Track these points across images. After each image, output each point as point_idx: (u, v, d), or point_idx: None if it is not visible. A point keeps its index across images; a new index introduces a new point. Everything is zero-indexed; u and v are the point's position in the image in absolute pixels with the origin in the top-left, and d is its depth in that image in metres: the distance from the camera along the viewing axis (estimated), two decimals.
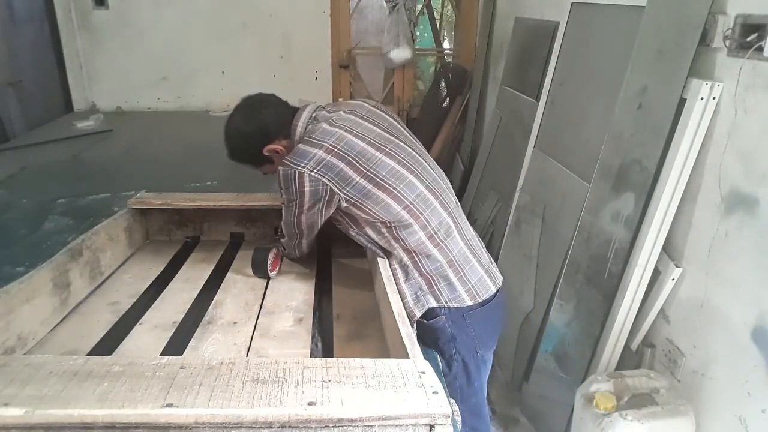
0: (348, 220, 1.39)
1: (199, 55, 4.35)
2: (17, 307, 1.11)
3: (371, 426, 0.74)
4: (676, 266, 1.74)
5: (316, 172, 1.30)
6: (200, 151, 3.27)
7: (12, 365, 0.82)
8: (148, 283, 1.47)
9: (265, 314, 1.33)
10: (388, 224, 1.34)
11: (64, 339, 1.20)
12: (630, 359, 1.91)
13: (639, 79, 1.81)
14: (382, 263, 1.35)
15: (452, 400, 1.03)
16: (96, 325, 1.25)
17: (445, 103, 4.37)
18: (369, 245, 1.40)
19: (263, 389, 0.77)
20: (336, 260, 1.63)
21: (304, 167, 1.30)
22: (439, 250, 1.36)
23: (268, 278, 1.50)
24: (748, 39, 1.46)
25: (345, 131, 1.35)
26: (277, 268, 1.53)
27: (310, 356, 1.15)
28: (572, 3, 2.41)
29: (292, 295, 1.43)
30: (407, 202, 1.33)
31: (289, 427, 0.73)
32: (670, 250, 1.79)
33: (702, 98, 1.59)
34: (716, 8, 1.58)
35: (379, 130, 1.39)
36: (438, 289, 1.36)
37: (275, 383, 0.78)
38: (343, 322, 1.31)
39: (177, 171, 2.85)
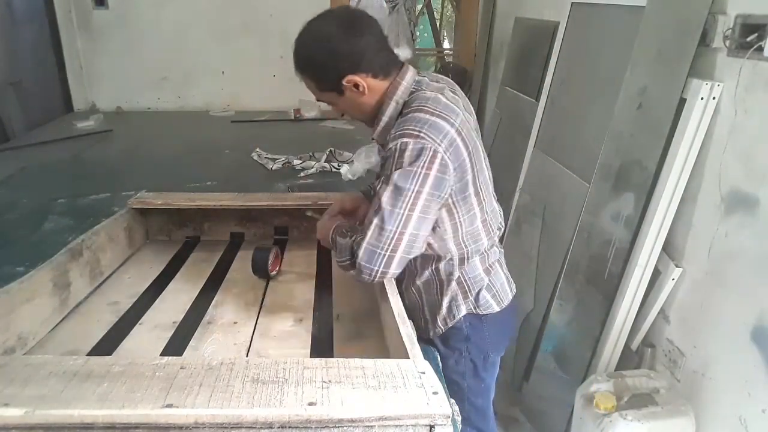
0: None
1: (199, 55, 4.36)
2: (17, 307, 1.11)
3: (371, 426, 0.74)
4: (676, 266, 1.74)
5: (448, 155, 1.09)
6: (200, 151, 3.28)
7: (12, 365, 0.82)
8: (148, 283, 1.47)
9: (265, 314, 1.33)
10: (461, 238, 1.24)
11: (64, 339, 1.20)
12: (630, 359, 1.91)
13: (639, 79, 1.81)
14: None
15: (452, 400, 1.03)
16: (96, 325, 1.25)
17: None
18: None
19: (263, 389, 0.77)
20: None
21: (440, 144, 1.08)
22: (480, 258, 1.30)
23: (268, 278, 1.50)
24: (748, 39, 1.46)
25: (463, 114, 1.16)
26: (277, 268, 1.53)
27: (310, 356, 1.15)
28: (572, 3, 2.42)
29: (292, 295, 1.43)
30: (485, 215, 1.25)
31: (289, 427, 0.73)
32: (670, 250, 1.79)
33: (702, 98, 1.59)
34: (716, 8, 1.58)
35: (473, 125, 1.24)
36: (472, 297, 1.32)
37: (275, 383, 0.78)
38: (343, 322, 1.31)
39: (177, 171, 2.85)
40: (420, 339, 1.35)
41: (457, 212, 1.20)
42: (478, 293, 1.32)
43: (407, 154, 1.08)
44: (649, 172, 1.74)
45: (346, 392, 0.77)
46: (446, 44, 5.54)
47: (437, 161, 1.08)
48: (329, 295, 1.44)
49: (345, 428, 0.74)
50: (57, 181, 2.70)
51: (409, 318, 1.35)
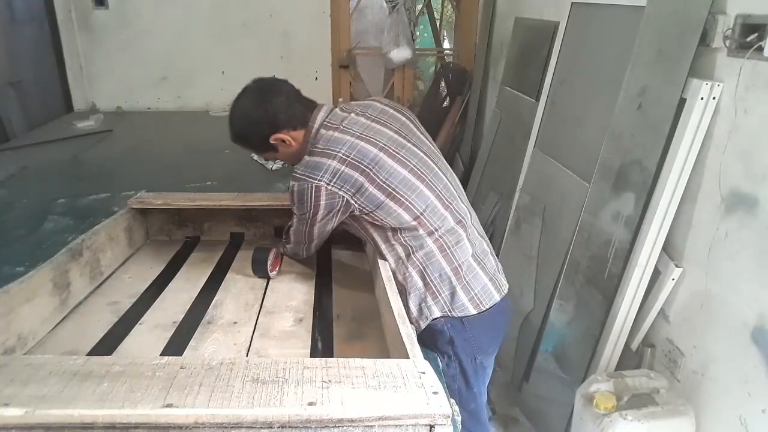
0: (355, 223, 1.39)
1: (199, 55, 4.35)
2: (17, 307, 1.11)
3: (371, 426, 0.74)
4: (676, 266, 1.74)
5: (332, 185, 1.28)
6: (200, 151, 3.28)
7: (12, 365, 0.82)
8: (148, 283, 1.47)
9: (265, 314, 1.33)
10: (397, 230, 1.33)
11: (64, 339, 1.20)
12: (630, 359, 1.91)
13: (639, 79, 1.81)
14: (383, 263, 1.35)
15: (452, 400, 1.03)
16: (96, 325, 1.25)
17: (445, 103, 4.38)
18: (373, 245, 1.41)
19: (263, 389, 0.77)
20: (336, 260, 1.63)
21: (320, 180, 1.28)
22: (444, 257, 1.34)
23: (268, 278, 1.50)
24: (748, 39, 1.46)
25: (357, 138, 1.31)
26: (277, 268, 1.53)
27: (310, 356, 1.15)
28: (572, 3, 2.41)
29: (292, 295, 1.43)
30: (417, 213, 1.32)
31: (289, 427, 0.73)
32: (670, 250, 1.79)
33: (702, 98, 1.59)
34: (716, 8, 1.58)
35: (390, 133, 1.36)
36: (442, 299, 1.34)
37: (275, 383, 0.78)
38: (343, 322, 1.31)
39: (177, 171, 2.85)
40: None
41: (380, 219, 1.33)
42: (451, 295, 1.34)
43: (296, 196, 1.33)
44: (649, 172, 1.74)
45: (346, 392, 0.77)
46: (446, 44, 5.53)
47: (322, 193, 1.29)
48: (329, 295, 1.44)
49: (345, 428, 0.74)
50: (57, 181, 2.70)
51: None
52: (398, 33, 4.04)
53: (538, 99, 2.69)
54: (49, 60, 4.25)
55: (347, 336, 1.25)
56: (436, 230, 1.33)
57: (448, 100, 4.38)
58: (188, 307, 1.34)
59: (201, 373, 0.80)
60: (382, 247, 1.37)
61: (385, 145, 1.33)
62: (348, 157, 1.29)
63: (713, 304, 1.63)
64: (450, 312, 1.34)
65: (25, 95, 3.84)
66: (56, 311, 1.25)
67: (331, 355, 1.16)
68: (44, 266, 1.23)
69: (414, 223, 1.32)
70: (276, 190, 2.53)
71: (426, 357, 0.92)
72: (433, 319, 1.35)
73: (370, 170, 1.29)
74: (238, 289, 1.45)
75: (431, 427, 0.75)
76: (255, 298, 1.41)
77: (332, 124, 1.36)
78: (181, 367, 0.81)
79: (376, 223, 1.34)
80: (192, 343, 1.19)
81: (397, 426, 0.75)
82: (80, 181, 2.69)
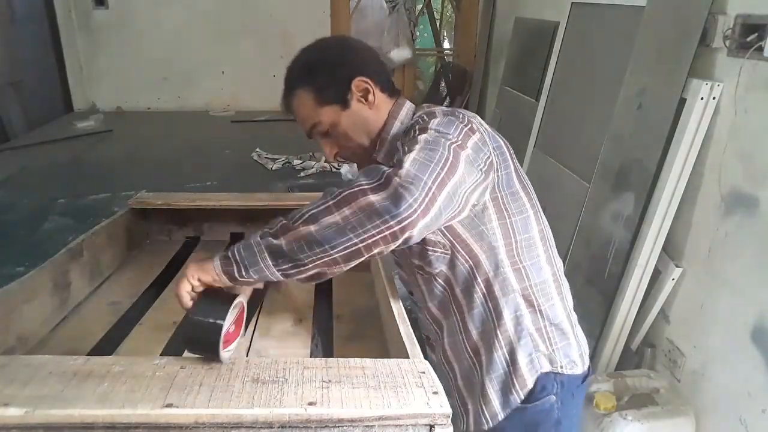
0: (457, 242, 0.97)
1: (199, 55, 4.36)
2: (17, 307, 1.11)
3: (371, 426, 0.74)
4: (676, 266, 1.74)
5: (483, 130, 0.94)
6: (200, 151, 3.28)
7: (12, 365, 0.82)
8: (148, 283, 1.47)
9: (265, 314, 1.33)
10: (514, 251, 0.98)
11: (64, 339, 1.20)
12: (630, 359, 1.91)
13: (639, 79, 1.81)
14: (383, 262, 1.34)
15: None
16: (96, 325, 1.25)
17: (445, 103, 4.38)
18: (460, 293, 1.01)
19: (263, 389, 0.77)
20: None
21: (471, 122, 0.94)
22: (561, 299, 1.03)
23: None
24: (748, 39, 1.46)
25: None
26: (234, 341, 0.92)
27: (310, 356, 1.15)
28: (572, 3, 2.42)
29: (292, 295, 1.43)
30: (542, 226, 1.02)
31: (289, 427, 0.73)
32: (670, 250, 1.79)
33: (702, 98, 1.59)
34: (716, 8, 1.58)
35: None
36: (555, 349, 1.01)
37: (275, 383, 0.78)
38: (343, 322, 1.31)
39: (177, 171, 2.86)
40: None
41: (507, 209, 0.97)
42: (566, 346, 1.02)
43: (437, 120, 0.91)
44: (649, 172, 1.74)
45: (346, 392, 0.77)
46: (446, 44, 5.54)
47: (475, 133, 0.91)
48: (329, 295, 1.43)
49: (345, 428, 0.74)
50: (57, 181, 2.70)
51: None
52: (398, 33, 4.05)
53: (538, 99, 2.70)
54: (49, 60, 4.26)
55: (347, 336, 1.25)
56: (554, 261, 1.03)
57: (448, 100, 4.39)
58: None
59: (201, 373, 0.80)
60: (491, 275, 0.98)
61: (508, 148, 1.01)
62: (488, 128, 0.98)
63: (713, 304, 1.63)
64: (562, 368, 1.01)
65: (25, 95, 3.84)
66: (56, 311, 1.25)
67: (331, 355, 1.16)
68: (44, 266, 1.23)
69: (537, 238, 1.00)
70: (276, 190, 2.53)
71: None
72: (540, 376, 1.00)
73: (508, 148, 0.99)
74: None
75: (431, 427, 0.75)
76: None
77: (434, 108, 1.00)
78: (181, 367, 0.81)
79: (497, 232, 0.97)
80: None
81: (397, 426, 0.75)
82: (80, 181, 2.70)
